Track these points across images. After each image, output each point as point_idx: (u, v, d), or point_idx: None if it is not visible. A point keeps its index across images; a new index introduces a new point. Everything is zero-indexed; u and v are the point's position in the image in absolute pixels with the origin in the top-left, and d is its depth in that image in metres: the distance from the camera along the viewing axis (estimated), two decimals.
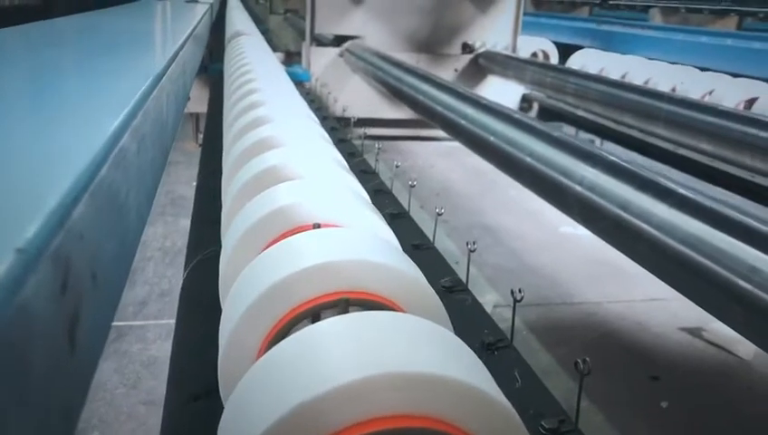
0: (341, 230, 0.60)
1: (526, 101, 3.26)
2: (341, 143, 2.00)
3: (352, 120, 2.18)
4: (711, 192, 2.27)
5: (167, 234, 1.99)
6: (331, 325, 0.42)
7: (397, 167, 1.61)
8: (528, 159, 1.20)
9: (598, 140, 3.30)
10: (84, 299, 0.28)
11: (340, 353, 0.39)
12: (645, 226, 0.86)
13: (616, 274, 1.82)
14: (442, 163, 3.02)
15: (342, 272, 0.53)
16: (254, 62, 1.75)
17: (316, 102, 2.62)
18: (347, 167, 0.93)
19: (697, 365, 1.49)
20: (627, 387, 1.38)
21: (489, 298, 1.69)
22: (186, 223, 1.62)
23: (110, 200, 0.34)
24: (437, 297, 0.56)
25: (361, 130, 2.07)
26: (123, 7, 2.27)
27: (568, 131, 3.59)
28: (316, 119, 1.28)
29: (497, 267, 1.91)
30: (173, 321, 1.08)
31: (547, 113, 3.18)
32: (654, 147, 2.24)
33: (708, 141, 1.68)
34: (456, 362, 0.40)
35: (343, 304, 0.52)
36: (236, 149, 0.94)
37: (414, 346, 0.39)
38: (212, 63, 2.88)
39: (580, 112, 2.56)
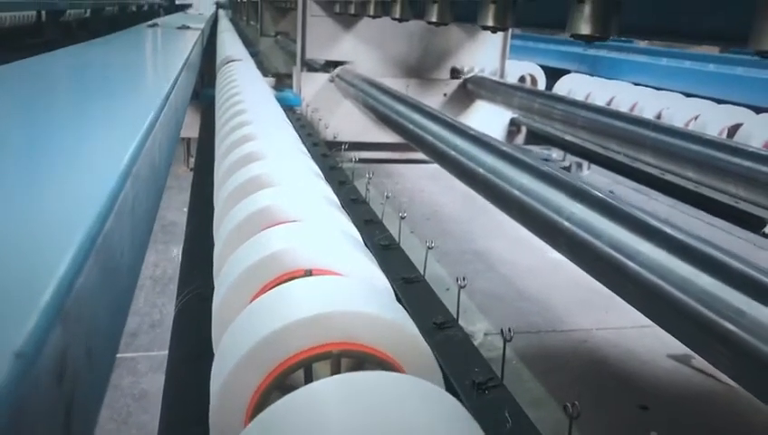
0: (332, 280, 0.61)
1: (515, 125, 3.29)
2: (332, 171, 2.02)
3: (343, 147, 2.19)
4: (697, 220, 2.28)
5: (158, 262, 1.99)
6: (321, 389, 0.42)
7: (387, 198, 1.62)
8: (516, 193, 1.22)
9: (586, 164, 3.34)
10: (80, 381, 0.28)
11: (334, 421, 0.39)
12: (631, 264, 0.88)
13: (605, 300, 1.83)
14: (432, 187, 3.04)
15: (334, 324, 0.53)
16: (245, 91, 1.75)
17: (307, 128, 2.63)
18: (338, 204, 0.94)
19: (685, 393, 1.50)
20: (616, 417, 1.38)
21: (480, 326, 1.70)
22: (177, 251, 1.61)
23: (105, 274, 0.35)
24: (429, 349, 0.57)
25: (352, 155, 2.09)
26: (116, 36, 2.29)
27: (556, 155, 3.63)
28: (307, 152, 1.29)
29: (488, 294, 1.92)
30: (164, 352, 1.08)
31: (535, 137, 3.22)
32: (641, 172, 2.26)
33: (693, 169, 1.71)
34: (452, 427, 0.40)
35: (336, 358, 0.53)
36: (227, 187, 0.95)
37: (409, 411, 0.40)
38: (204, 88, 2.89)
39: (568, 137, 2.59)
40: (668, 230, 0.85)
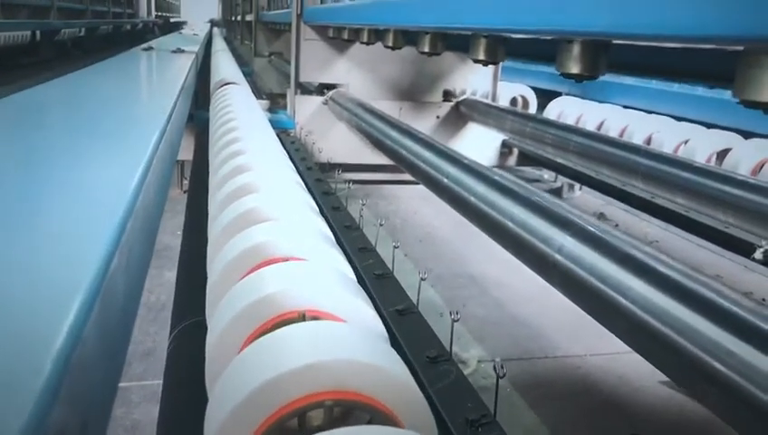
0: (325, 326, 0.61)
1: (507, 147, 3.32)
2: (326, 196, 2.02)
3: (337, 172, 2.20)
4: (688, 242, 2.29)
5: (151, 288, 1.98)
6: None
7: (381, 225, 1.63)
8: (509, 224, 1.23)
9: (577, 185, 3.36)
10: None
11: None
12: (622, 300, 0.88)
13: (597, 325, 1.84)
14: (425, 208, 3.05)
15: (327, 372, 0.54)
16: (239, 118, 1.75)
17: (301, 151, 2.65)
18: (333, 240, 0.95)
19: (677, 419, 1.51)
20: None
21: (473, 353, 1.70)
22: (170, 275, 1.61)
23: (101, 343, 0.35)
24: (423, 397, 0.57)
25: (346, 179, 2.10)
26: (111, 62, 2.30)
27: (548, 176, 3.65)
28: (302, 182, 1.30)
29: (482, 320, 1.92)
30: (157, 382, 1.07)
31: (527, 158, 3.24)
32: (632, 195, 2.28)
33: (683, 196, 1.73)
34: None
35: (330, 407, 0.53)
36: (221, 221, 0.95)
37: None
38: (198, 110, 2.89)
39: (560, 159, 2.62)
40: (660, 268, 0.86)
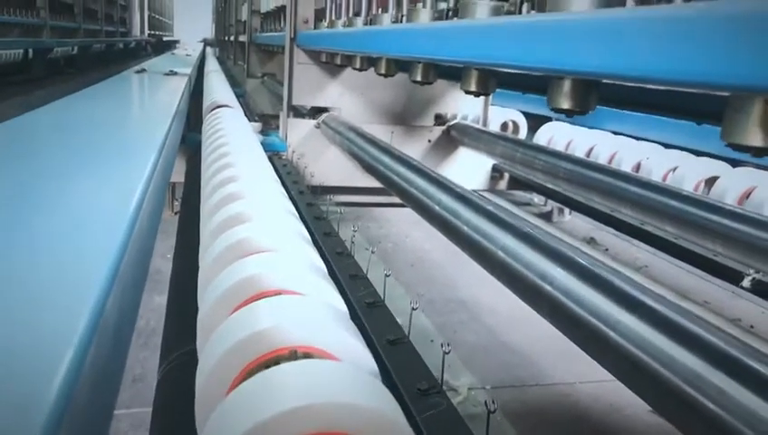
0: (317, 365, 0.61)
1: (497, 171, 3.34)
2: (318, 221, 2.03)
3: (329, 198, 2.21)
4: (677, 268, 2.30)
5: (141, 313, 1.96)
6: None
7: (372, 252, 1.63)
8: (500, 254, 1.23)
9: (567, 210, 3.38)
10: None
11: None
12: (612, 334, 0.89)
13: None
14: (416, 232, 3.05)
15: (319, 414, 0.54)
16: (232, 142, 1.76)
17: (293, 175, 2.65)
18: (325, 272, 0.94)
19: None
20: None
21: (464, 381, 1.70)
22: (160, 300, 1.60)
23: (99, 372, 0.35)
24: None
25: (338, 202, 2.11)
26: (104, 85, 2.30)
27: (538, 199, 3.67)
28: (295, 211, 1.30)
29: (473, 346, 1.92)
30: (146, 409, 1.06)
31: (518, 183, 3.26)
32: (622, 222, 2.30)
33: (672, 224, 1.75)
34: None
35: None
36: (213, 251, 0.94)
37: None
38: (190, 132, 2.89)
39: (550, 185, 2.63)
40: (651, 303, 0.87)
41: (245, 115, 4.14)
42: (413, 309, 1.21)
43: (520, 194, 3.70)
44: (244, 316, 0.68)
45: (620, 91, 1.01)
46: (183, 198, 2.45)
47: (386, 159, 2.06)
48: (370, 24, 1.91)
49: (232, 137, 1.86)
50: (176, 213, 3.04)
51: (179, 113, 2.23)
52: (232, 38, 8.23)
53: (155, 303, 2.07)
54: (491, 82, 1.23)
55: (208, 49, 11.58)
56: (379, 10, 1.98)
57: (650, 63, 0.66)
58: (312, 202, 2.20)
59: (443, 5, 1.41)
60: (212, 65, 5.58)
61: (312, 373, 0.58)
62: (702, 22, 0.58)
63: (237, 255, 0.84)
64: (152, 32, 20.34)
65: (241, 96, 5.47)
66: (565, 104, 0.94)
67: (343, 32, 2.06)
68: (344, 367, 0.62)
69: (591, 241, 3.18)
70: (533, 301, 1.12)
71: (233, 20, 8.09)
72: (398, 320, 1.34)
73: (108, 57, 12.08)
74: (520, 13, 1.05)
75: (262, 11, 5.27)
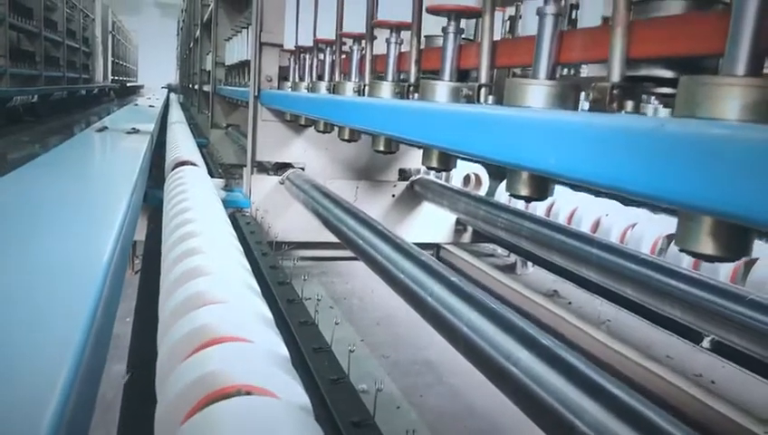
0: (258, 401, 0.64)
1: (461, 224, 3.37)
2: (281, 286, 2.00)
3: (294, 261, 2.19)
4: (641, 321, 2.33)
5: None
6: None
7: (336, 324, 1.61)
8: (464, 329, 1.23)
9: (530, 264, 3.42)
10: None
11: None
12: (578, 423, 0.89)
13: None
14: (382, 287, 3.03)
15: None
16: (195, 208, 1.74)
17: (256, 234, 2.63)
18: (272, 321, 0.95)
19: None
20: None
21: None
22: (119, 368, 1.55)
23: None
24: None
25: (303, 260, 2.10)
26: (65, 147, 2.26)
27: (501, 251, 3.71)
28: (259, 292, 1.29)
29: (439, 411, 1.90)
30: None
31: (481, 236, 3.29)
32: (584, 279, 2.33)
33: (632, 287, 1.78)
34: None
35: None
36: (170, 303, 0.97)
37: None
38: (151, 189, 2.85)
39: (513, 241, 2.66)
40: (616, 391, 0.87)
41: (209, 167, 4.11)
42: (378, 390, 1.19)
43: (484, 245, 3.73)
44: (198, 360, 0.74)
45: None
46: (144, 259, 2.40)
47: (350, 222, 2.06)
48: (333, 91, 1.93)
49: (194, 201, 1.84)
50: (136, 272, 2.97)
51: (142, 172, 2.21)
52: (196, 86, 8.24)
53: (111, 372, 2.00)
54: (452, 159, 1.25)
55: (172, 96, 11.56)
56: (342, 76, 2.01)
57: (599, 171, 0.67)
58: (275, 265, 2.18)
59: (403, 81, 1.44)
60: (175, 115, 5.56)
61: (252, 408, 0.62)
62: (651, 140, 0.60)
63: (193, 306, 0.91)
64: (116, 77, 20.27)
65: (205, 147, 5.45)
66: (523, 192, 0.96)
67: (306, 97, 2.08)
68: (281, 404, 0.65)
69: (554, 294, 3.21)
70: (498, 381, 1.11)
71: (197, 68, 8.11)
72: (365, 384, 1.32)
73: (69, 104, 11.97)
74: (478, 98, 1.08)
75: (226, 63, 5.30)
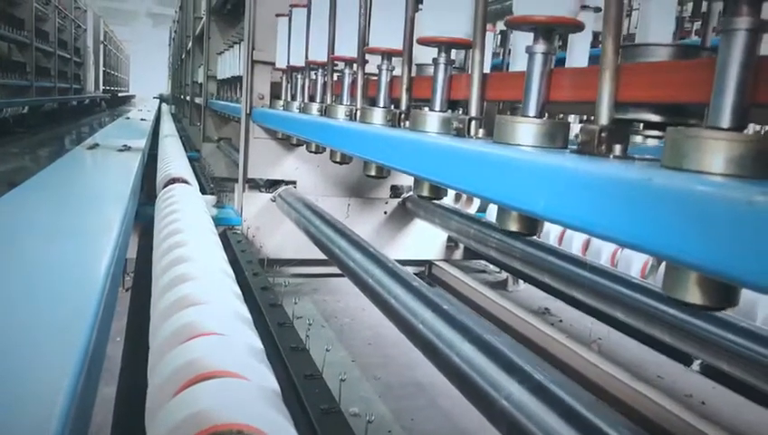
0: None
1: (452, 241, 3.38)
2: (273, 308, 2.00)
3: (285, 282, 2.19)
4: (631, 340, 2.33)
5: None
6: None
7: (327, 351, 1.61)
8: (455, 359, 1.23)
9: (521, 281, 3.43)
10: None
11: None
12: None
13: None
14: (374, 306, 3.04)
15: None
16: (186, 230, 1.74)
17: (247, 253, 2.63)
18: (263, 354, 0.95)
19: None
20: None
21: None
22: (108, 391, 1.54)
23: None
24: None
25: (293, 276, 2.10)
26: (57, 167, 2.25)
27: (493, 267, 3.72)
28: (240, 294, 1.30)
29: None
30: None
31: (472, 253, 3.30)
32: (576, 299, 2.34)
33: (623, 311, 1.79)
34: None
35: None
36: (161, 334, 0.97)
37: None
38: (142, 206, 2.83)
39: (504, 260, 2.67)
40: (608, 430, 0.88)
41: (200, 181, 4.10)
42: (368, 422, 1.19)
43: (475, 261, 3.74)
44: (188, 397, 0.75)
45: None
46: (135, 278, 2.39)
47: (342, 243, 2.06)
48: (325, 113, 1.94)
49: (185, 221, 1.84)
50: (127, 290, 2.95)
51: (133, 196, 2.20)
52: (188, 97, 8.24)
53: (102, 394, 1.98)
54: (442, 190, 1.25)
55: (164, 107, 11.54)
56: (334, 98, 2.01)
57: (588, 218, 0.68)
58: (266, 286, 2.18)
59: (395, 109, 1.45)
60: (167, 128, 5.55)
61: None
62: (638, 193, 0.61)
63: (183, 337, 0.91)
64: (107, 87, 20.23)
65: (196, 160, 5.44)
66: (512, 227, 0.96)
67: (298, 119, 2.08)
68: None
69: (546, 311, 3.22)
70: (489, 413, 1.11)
71: (189, 80, 8.11)
72: (356, 407, 1.31)
73: (60, 114, 11.92)
74: (469, 131, 1.08)
75: (218, 77, 5.30)
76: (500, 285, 3.56)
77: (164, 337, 0.95)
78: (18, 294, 0.95)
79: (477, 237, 2.54)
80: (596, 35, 1.66)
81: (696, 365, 1.88)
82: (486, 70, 1.31)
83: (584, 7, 1.52)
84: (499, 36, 5.57)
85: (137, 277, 2.43)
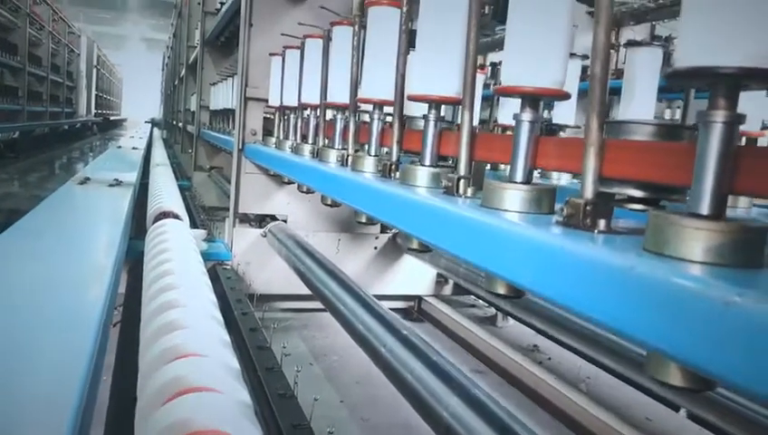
0: None
1: (442, 277, 3.39)
2: (260, 350, 1.99)
3: (273, 326, 2.19)
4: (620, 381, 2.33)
5: None
6: None
7: (315, 400, 1.61)
8: (444, 415, 1.23)
9: (510, 318, 3.43)
10: None
11: None
12: None
13: None
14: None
15: None
16: (176, 270, 1.74)
17: (236, 291, 2.62)
18: (239, 373, 1.04)
19: None
20: None
21: None
22: (95, 433, 1.53)
23: None
24: None
25: (283, 311, 2.08)
26: (47, 204, 2.24)
27: (482, 302, 3.73)
28: (222, 320, 1.32)
29: None
30: None
31: (461, 289, 3.31)
32: (562, 341, 2.35)
33: (609, 357, 1.80)
34: None
35: None
36: (149, 354, 1.07)
37: None
38: (132, 240, 2.82)
39: (492, 299, 2.68)
40: None
41: (191, 212, 4.09)
42: None
43: (464, 298, 3.75)
44: (172, 408, 0.84)
45: None
46: (123, 313, 2.37)
47: (333, 286, 2.07)
48: (317, 155, 1.96)
49: (174, 263, 1.84)
50: (114, 324, 2.92)
51: (124, 235, 2.20)
52: (180, 123, 8.26)
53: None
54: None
55: (156, 132, 11.56)
56: (326, 140, 2.04)
57: (573, 297, 0.70)
58: (254, 327, 2.18)
59: (385, 159, 1.46)
60: (159, 156, 5.56)
61: None
62: (621, 279, 0.62)
63: (169, 358, 1.02)
64: (99, 111, 20.24)
65: (187, 189, 5.45)
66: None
67: (290, 160, 2.10)
68: None
69: (535, 349, 3.22)
70: None
71: (181, 107, 8.14)
72: None
73: (51, 139, 11.91)
74: (458, 190, 1.10)
75: (211, 107, 5.33)
76: (489, 320, 3.56)
77: (150, 358, 1.06)
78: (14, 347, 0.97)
79: (466, 276, 2.56)
80: (584, 69, 1.70)
81: (682, 411, 1.89)
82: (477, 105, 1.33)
83: (572, 55, 1.56)
84: (489, 68, 5.66)
85: (125, 312, 2.41)
